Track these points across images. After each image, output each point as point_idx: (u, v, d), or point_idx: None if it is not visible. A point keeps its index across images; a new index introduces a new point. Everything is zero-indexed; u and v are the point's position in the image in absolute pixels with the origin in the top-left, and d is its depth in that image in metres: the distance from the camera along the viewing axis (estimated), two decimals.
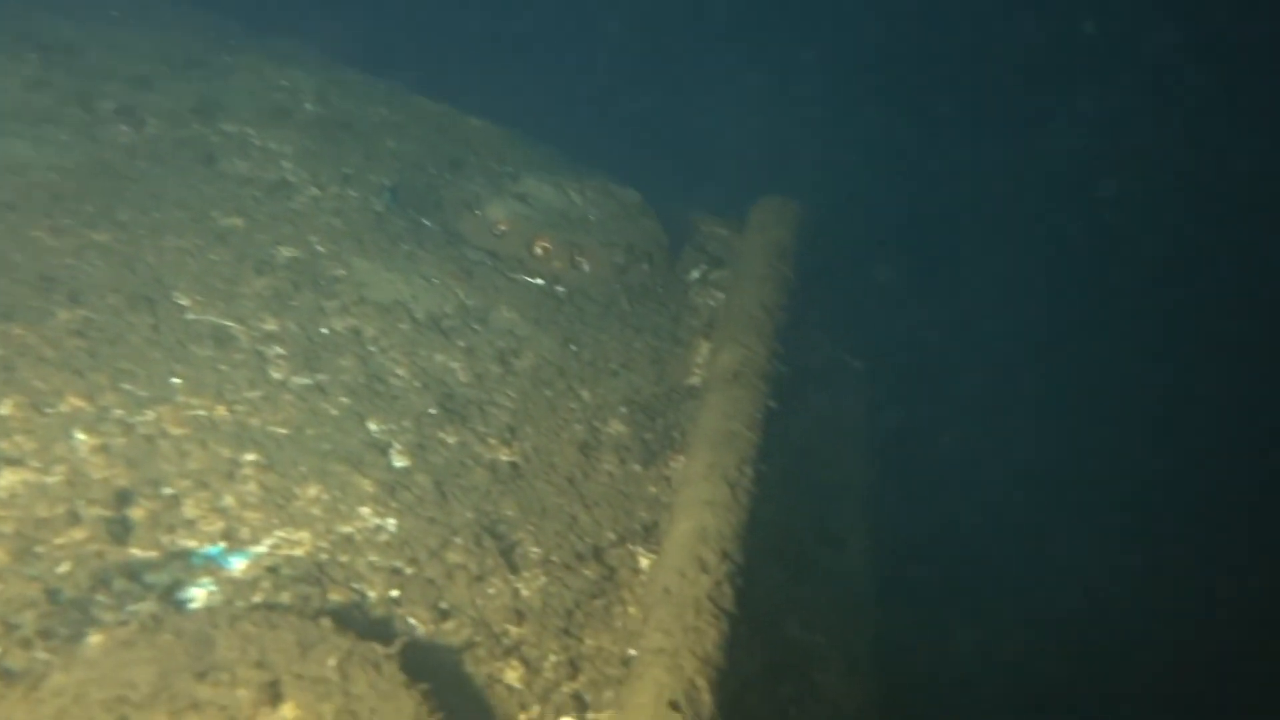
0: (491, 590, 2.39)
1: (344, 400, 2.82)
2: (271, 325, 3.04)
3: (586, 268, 4.00)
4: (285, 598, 2.11)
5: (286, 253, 3.42)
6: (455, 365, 3.20)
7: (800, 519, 3.19)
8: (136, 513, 2.23)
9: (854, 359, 4.28)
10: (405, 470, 2.66)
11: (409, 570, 2.35)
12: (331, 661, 1.83)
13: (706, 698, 1.88)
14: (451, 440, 2.86)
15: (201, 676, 1.71)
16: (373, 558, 2.35)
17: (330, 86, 4.76)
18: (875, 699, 2.57)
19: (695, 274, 4.38)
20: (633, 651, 2.26)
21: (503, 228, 4.00)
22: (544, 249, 3.97)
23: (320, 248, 3.53)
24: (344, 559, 2.31)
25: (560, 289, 3.87)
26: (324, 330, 3.10)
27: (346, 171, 4.09)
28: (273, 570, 2.18)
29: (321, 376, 2.89)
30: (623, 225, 4.21)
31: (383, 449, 2.71)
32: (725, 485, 2.53)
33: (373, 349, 3.10)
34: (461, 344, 3.31)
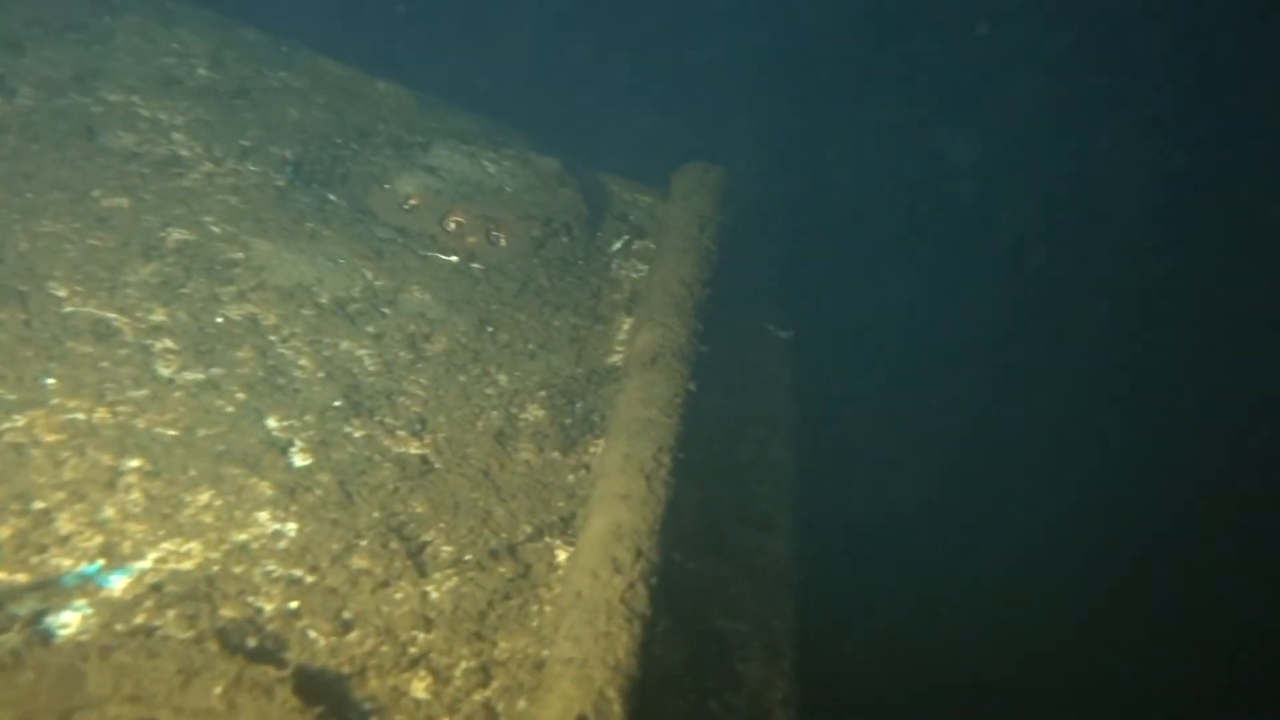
0: (399, 595, 2.29)
1: (240, 396, 2.66)
2: (159, 316, 2.85)
3: (503, 242, 3.86)
4: (170, 617, 1.98)
5: (177, 235, 3.21)
6: (362, 353, 3.05)
7: (723, 503, 3.14)
8: (2, 531, 2.07)
9: (780, 330, 4.23)
10: (307, 470, 2.53)
11: (309, 579, 2.23)
12: (217, 690, 1.72)
13: (617, 709, 1.81)
14: (358, 435, 2.73)
15: (66, 719, 1.58)
16: (270, 567, 2.23)
17: (226, 49, 4.47)
18: (797, 686, 2.55)
19: (617, 245, 4.26)
20: (548, 654, 2.19)
21: (413, 202, 3.82)
22: (457, 224, 3.82)
23: (215, 229, 3.32)
24: (238, 570, 2.18)
25: (475, 266, 3.72)
26: (218, 320, 2.92)
27: (244, 144, 3.85)
28: (157, 587, 2.05)
29: (215, 371, 2.72)
30: (540, 196, 4.06)
31: (283, 448, 2.57)
32: (641, 478, 2.46)
33: (272, 339, 2.94)
34: (369, 329, 3.16)
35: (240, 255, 3.23)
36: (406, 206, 3.81)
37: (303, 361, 2.89)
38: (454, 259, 3.70)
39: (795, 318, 4.38)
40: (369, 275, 3.42)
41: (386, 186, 3.85)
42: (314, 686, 1.85)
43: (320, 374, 2.87)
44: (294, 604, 2.16)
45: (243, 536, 2.27)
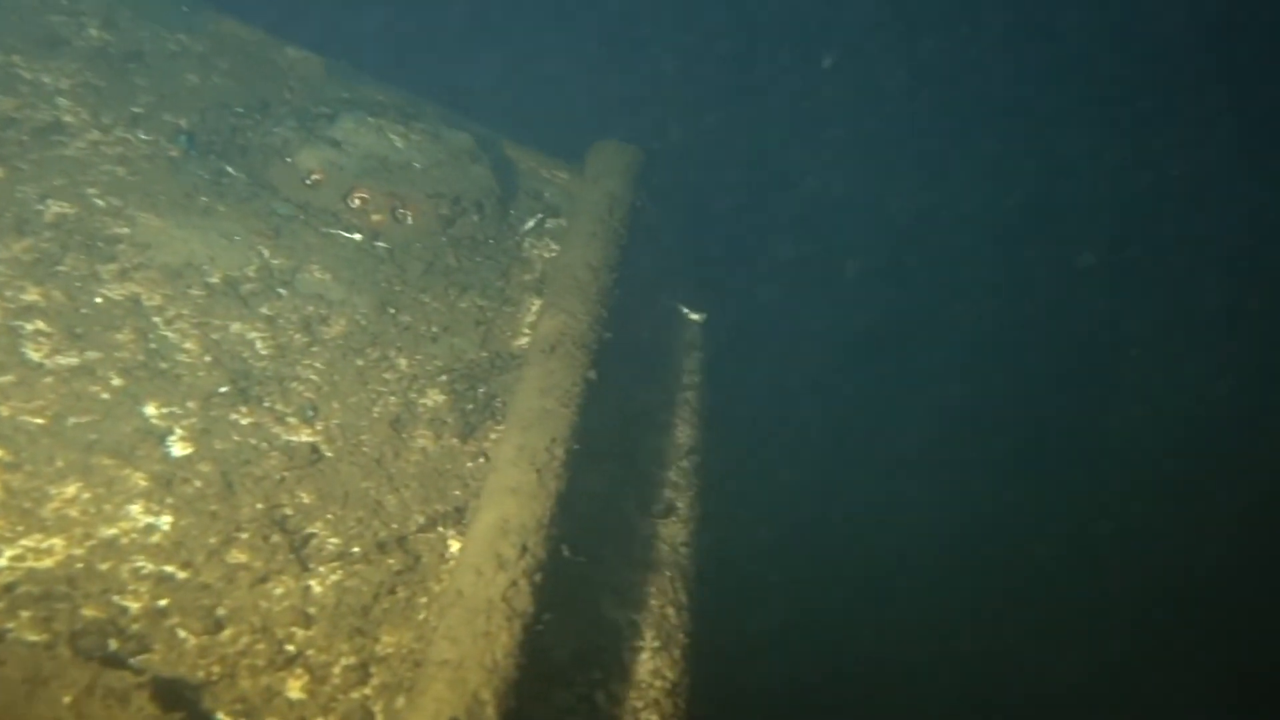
0: (278, 591, 2.23)
1: (116, 382, 2.56)
2: (32, 295, 2.71)
3: (410, 221, 3.77)
4: (23, 619, 1.90)
5: (56, 208, 3.06)
6: (254, 336, 2.95)
7: (624, 491, 3.13)
8: None
9: (693, 312, 4.23)
10: (186, 459, 2.45)
11: (182, 575, 2.16)
12: (66, 699, 1.65)
13: (490, 712, 1.80)
14: (244, 422, 2.64)
15: None
16: (140, 563, 2.15)
17: (121, 8, 4.25)
18: (688, 674, 2.57)
19: (530, 223, 4.20)
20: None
21: (316, 177, 3.70)
22: (362, 200, 3.71)
23: (99, 202, 3.17)
24: (104, 567, 2.10)
25: (380, 245, 3.63)
26: (97, 300, 2.79)
27: (136, 111, 3.68)
28: (10, 588, 1.96)
29: (91, 354, 2.61)
30: (450, 173, 3.97)
31: (161, 436, 2.47)
32: (532, 471, 2.43)
33: (156, 320, 2.82)
34: (263, 311, 3.06)
35: (125, 231, 3.09)
36: (309, 181, 3.69)
37: (188, 345, 2.79)
38: (357, 237, 3.60)
39: (708, 299, 4.39)
40: (265, 254, 3.30)
41: (288, 160, 3.72)
42: (176, 690, 1.79)
43: (207, 358, 2.78)
44: (163, 602, 2.09)
45: (111, 531, 2.18)
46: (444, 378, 3.16)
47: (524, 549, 2.21)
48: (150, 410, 2.53)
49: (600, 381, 3.03)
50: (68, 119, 3.47)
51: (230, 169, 3.65)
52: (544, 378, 2.87)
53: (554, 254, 4.03)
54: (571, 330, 3.09)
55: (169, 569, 2.16)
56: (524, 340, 3.51)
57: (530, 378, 2.88)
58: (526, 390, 2.81)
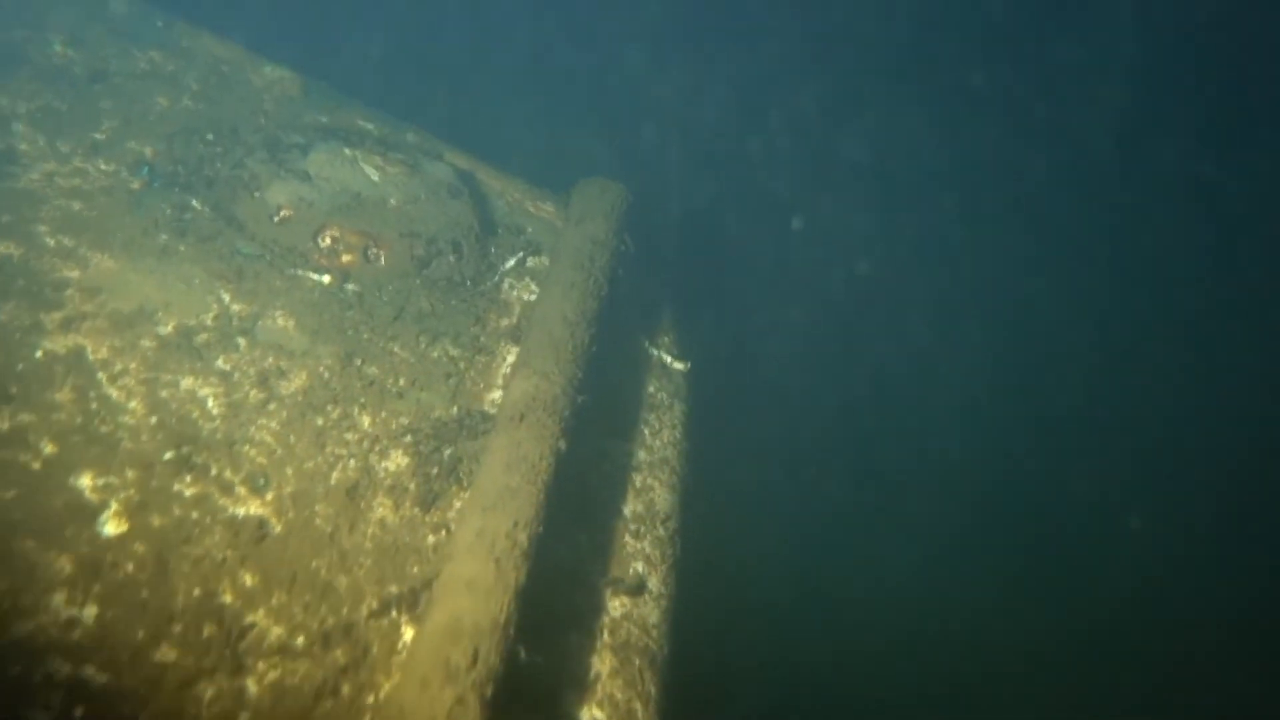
0: (209, 694, 2.07)
1: (49, 450, 2.39)
2: None
3: (382, 261, 3.60)
4: None
5: (1, 249, 2.88)
6: (206, 393, 2.78)
7: (594, 565, 2.98)
8: None
9: (676, 360, 4.07)
10: (119, 539, 2.28)
11: (101, 678, 2.00)
12: None
13: None
14: (188, 494, 2.48)
15: None
16: (55, 665, 1.99)
17: (90, 23, 4.08)
18: None
19: (510, 262, 4.04)
20: None
21: (285, 213, 3.53)
22: (332, 239, 3.54)
23: (49, 241, 2.99)
24: (14, 672, 1.94)
25: (349, 288, 3.46)
26: (38, 354, 2.62)
27: (98, 138, 3.51)
28: None
29: (23, 418, 2.44)
30: (427, 210, 3.81)
31: (93, 513, 2.31)
32: (490, 561, 2.27)
33: (100, 376, 2.65)
34: (218, 364, 2.89)
35: (74, 274, 2.92)
36: (277, 218, 3.52)
37: (133, 405, 2.62)
38: (326, 279, 3.44)
39: (692, 346, 4.23)
40: (225, 299, 3.14)
41: (256, 195, 3.55)
42: None
43: (152, 420, 2.61)
44: (79, 710, 1.92)
45: (26, 627, 2.02)
46: (409, 438, 3.00)
47: (476, 656, 2.06)
48: (84, 482, 2.36)
49: (572, 447, 2.88)
50: (23, 147, 3.30)
51: (195, 202, 3.48)
52: (511, 449, 2.71)
53: (534, 296, 3.88)
54: (543, 395, 2.93)
55: (87, 671, 2.00)
56: (497, 393, 3.35)
57: (496, 449, 2.72)
58: (491, 464, 2.66)
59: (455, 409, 3.22)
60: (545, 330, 3.21)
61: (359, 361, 3.18)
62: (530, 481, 2.59)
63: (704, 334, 4.40)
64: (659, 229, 4.52)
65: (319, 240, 3.51)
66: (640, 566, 3.07)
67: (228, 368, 2.89)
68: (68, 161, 3.32)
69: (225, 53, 4.36)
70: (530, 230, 4.29)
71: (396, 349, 3.32)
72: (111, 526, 2.30)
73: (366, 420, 2.98)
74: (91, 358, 2.69)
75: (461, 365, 3.41)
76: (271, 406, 2.85)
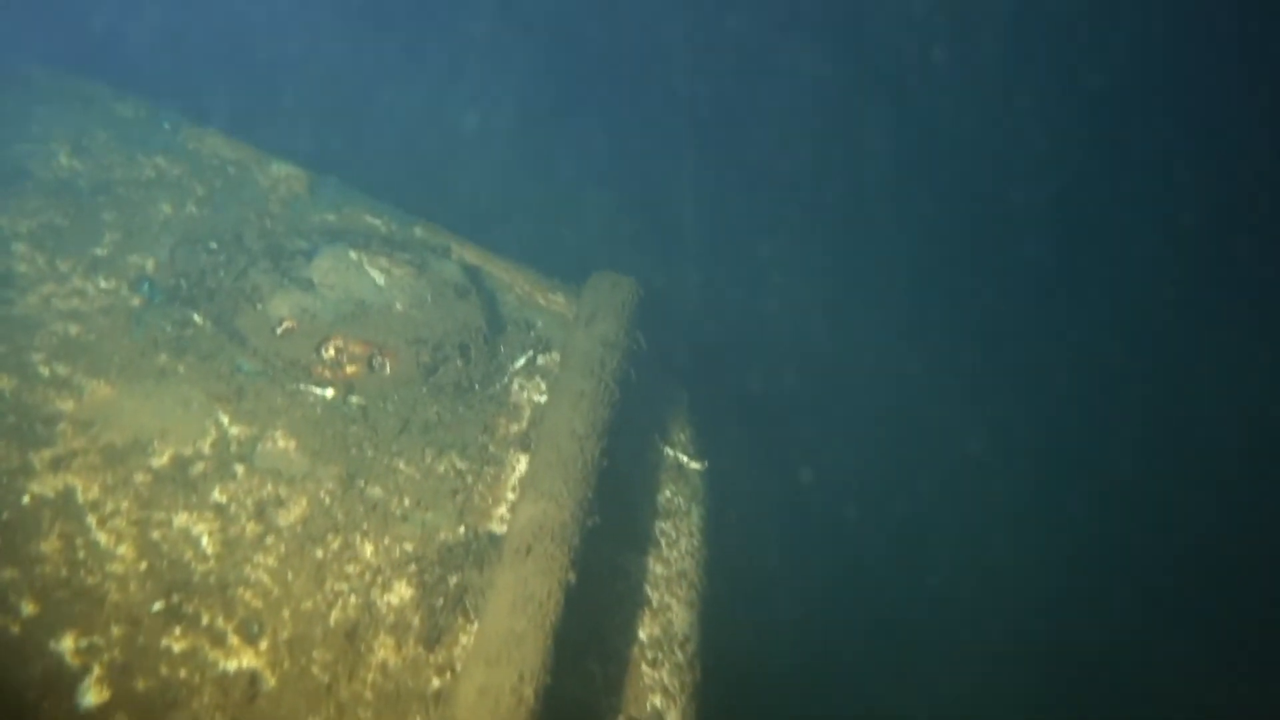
0: None
1: (28, 610, 2.28)
2: None
3: (387, 370, 3.51)
4: None
5: None
6: (200, 530, 2.68)
7: (603, 698, 2.82)
8: None
9: (693, 460, 3.93)
10: (99, 710, 2.16)
11: None
12: None
13: None
14: (176, 649, 2.36)
15: None
16: None
17: (95, 130, 4.06)
18: None
19: (520, 361, 3.93)
20: None
21: (288, 324, 3.45)
22: (336, 350, 3.46)
23: (43, 370, 2.92)
24: None
25: (354, 400, 3.36)
26: (24, 499, 2.53)
27: (98, 253, 3.46)
28: None
29: (5, 574, 2.33)
30: (435, 314, 3.72)
31: (74, 679, 2.19)
32: None
33: (89, 520, 2.55)
34: (214, 497, 2.79)
35: (68, 406, 2.84)
36: (279, 330, 3.44)
37: (122, 550, 2.52)
38: (329, 394, 3.34)
39: (710, 442, 4.09)
40: (224, 421, 3.04)
41: (259, 306, 3.48)
42: None
43: (142, 565, 2.50)
44: None
45: None
46: (413, 567, 2.87)
47: None
48: (66, 644, 2.25)
49: (583, 574, 2.75)
50: (21, 268, 3.25)
51: (196, 316, 3.41)
52: (517, 587, 2.58)
53: (545, 396, 3.76)
54: (551, 521, 2.80)
55: None
56: (505, 508, 3.22)
57: (502, 586, 2.59)
58: (497, 604, 2.52)
59: (462, 529, 3.10)
60: (553, 446, 3.09)
61: (362, 483, 3.06)
62: (537, 625, 2.45)
63: (723, 429, 4.25)
64: (674, 320, 4.40)
65: (323, 352, 3.43)
66: (658, 700, 2.91)
67: (224, 500, 2.78)
68: (66, 281, 3.27)
69: (232, 153, 4.33)
70: (540, 324, 4.19)
71: (402, 465, 3.21)
72: (93, 695, 2.17)
73: (369, 549, 2.86)
74: (81, 499, 2.59)
75: (469, 479, 3.29)
76: (269, 540, 2.73)
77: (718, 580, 3.53)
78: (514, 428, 3.62)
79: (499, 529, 3.15)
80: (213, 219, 3.90)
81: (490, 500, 3.26)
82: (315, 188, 4.40)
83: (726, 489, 4.01)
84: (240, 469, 2.91)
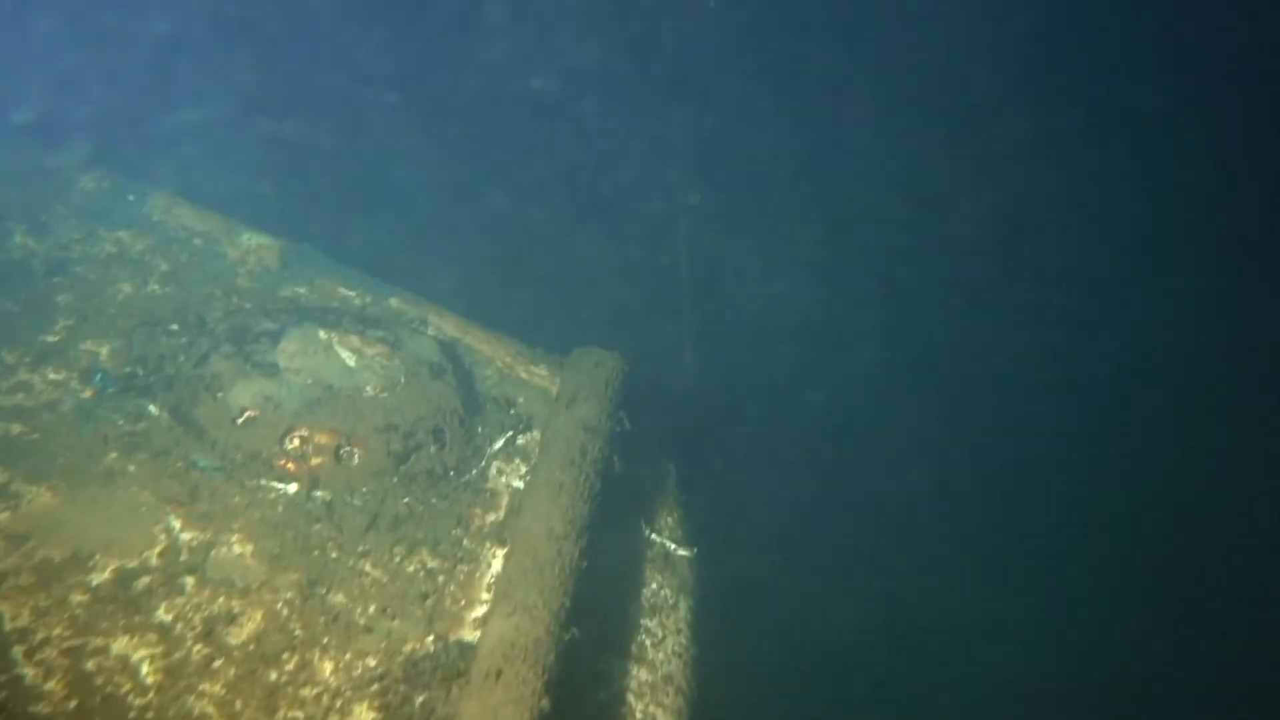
0: None
1: None
2: None
3: (356, 460, 3.31)
4: None
5: None
6: (141, 656, 2.47)
7: None
8: None
9: (681, 546, 3.72)
10: None
11: None
12: None
13: None
14: None
15: None
16: None
17: (55, 206, 3.90)
18: None
19: (499, 443, 3.74)
20: None
21: (250, 414, 3.26)
22: (300, 440, 3.26)
23: None
24: None
25: (319, 495, 3.17)
26: None
27: (49, 341, 3.28)
28: None
29: None
30: (408, 397, 3.53)
31: None
32: None
33: (16, 651, 2.34)
34: (158, 616, 2.58)
35: (3, 517, 2.64)
36: (240, 420, 3.24)
37: (50, 686, 2.31)
38: (291, 489, 3.14)
39: (699, 525, 3.89)
40: (176, 527, 2.84)
41: (219, 395, 3.29)
42: None
43: (71, 704, 2.29)
44: None
45: None
46: (375, 687, 2.66)
47: None
48: None
49: (560, 693, 2.53)
50: None
51: (152, 407, 3.22)
52: (486, 718, 2.36)
53: (524, 480, 3.56)
54: (524, 638, 2.59)
55: None
56: (480, 610, 3.02)
57: (469, 718, 2.38)
58: None
59: (431, 638, 2.89)
60: (529, 549, 2.89)
61: (323, 590, 2.86)
62: None
63: (712, 510, 4.05)
64: (662, 397, 4.21)
65: (286, 443, 3.23)
66: None
67: (169, 619, 2.57)
68: (12, 374, 3.08)
69: (200, 224, 4.17)
70: (521, 401, 4.00)
71: (368, 567, 3.01)
72: None
73: (328, 667, 2.65)
74: (9, 626, 2.38)
75: (440, 579, 3.09)
76: (217, 664, 2.52)
77: (708, 682, 3.31)
78: (490, 517, 3.42)
79: (472, 635, 2.94)
80: (176, 297, 3.73)
81: (463, 601, 3.05)
82: (287, 259, 4.24)
83: (721, 575, 3.81)
84: (190, 581, 2.70)
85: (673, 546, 3.72)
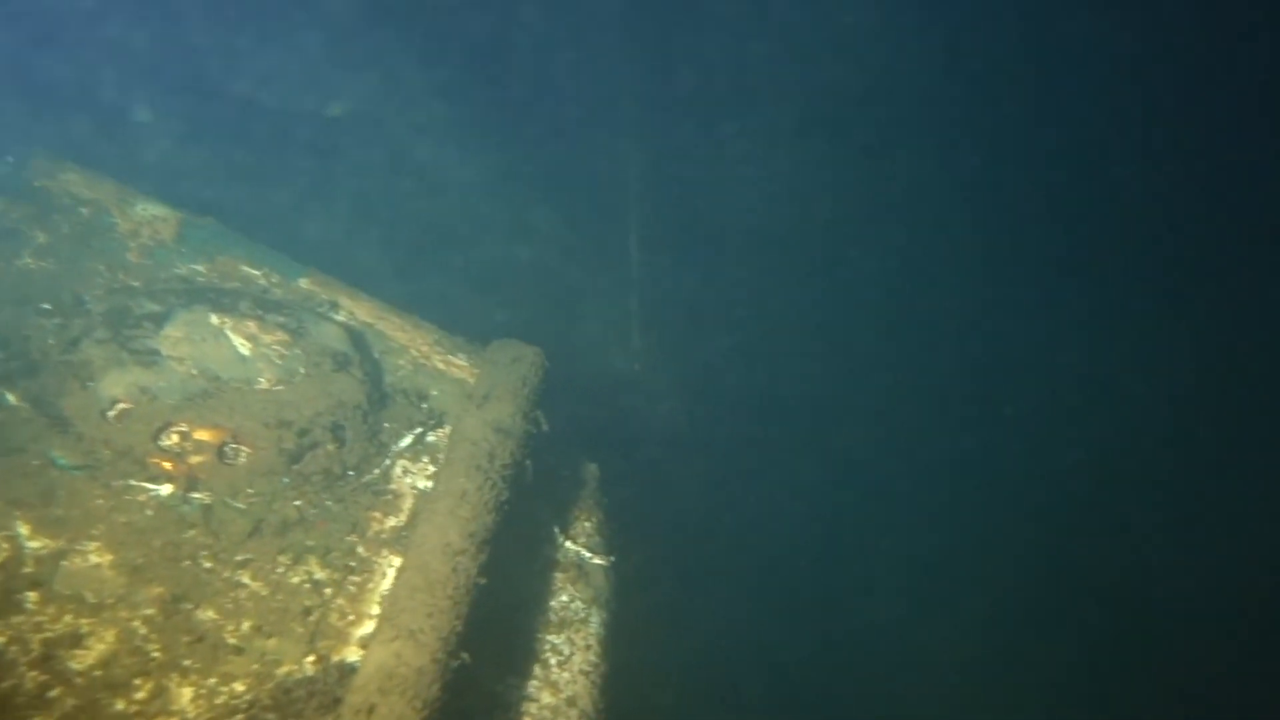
0: None
1: None
2: None
3: (243, 459, 3.03)
4: None
5: None
6: None
7: None
8: None
9: (596, 556, 3.50)
10: None
11: None
12: None
13: None
14: None
15: None
16: None
17: None
18: None
19: (406, 440, 3.48)
20: None
21: (122, 406, 2.97)
22: (179, 437, 2.98)
23: None
24: None
25: (197, 498, 2.89)
26: None
27: None
28: None
29: None
30: (306, 389, 3.25)
31: None
32: None
33: None
34: None
35: None
36: (112, 414, 2.95)
37: None
38: (165, 491, 2.86)
39: (620, 531, 3.67)
40: (22, 534, 2.56)
41: (89, 384, 2.99)
42: None
43: None
44: None
45: None
46: (240, 716, 2.41)
47: None
48: None
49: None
50: None
51: (11, 397, 2.92)
52: None
53: (432, 480, 3.31)
54: (406, 669, 2.35)
55: None
56: (370, 628, 2.77)
57: None
58: None
59: (311, 659, 2.64)
60: (420, 566, 2.64)
61: (190, 606, 2.60)
62: None
63: (637, 514, 3.83)
64: (589, 390, 3.96)
65: (162, 440, 2.95)
66: None
67: (1, 641, 2.29)
68: None
69: (89, 192, 3.83)
70: (435, 394, 3.74)
71: (246, 579, 2.75)
72: None
73: (187, 695, 2.40)
74: None
75: (328, 592, 2.84)
76: (54, 693, 2.25)
77: (618, 703, 3.11)
78: (391, 522, 3.17)
79: (358, 655, 2.70)
80: (52, 273, 3.40)
81: (352, 617, 2.81)
82: (186, 233, 3.91)
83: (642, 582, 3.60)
84: (32, 597, 2.42)
85: (588, 555, 3.50)
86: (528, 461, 3.22)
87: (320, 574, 2.87)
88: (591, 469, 3.79)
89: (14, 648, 2.29)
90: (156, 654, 2.43)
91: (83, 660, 2.34)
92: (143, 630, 2.47)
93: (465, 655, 2.51)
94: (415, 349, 3.92)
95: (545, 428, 3.44)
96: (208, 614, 2.60)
